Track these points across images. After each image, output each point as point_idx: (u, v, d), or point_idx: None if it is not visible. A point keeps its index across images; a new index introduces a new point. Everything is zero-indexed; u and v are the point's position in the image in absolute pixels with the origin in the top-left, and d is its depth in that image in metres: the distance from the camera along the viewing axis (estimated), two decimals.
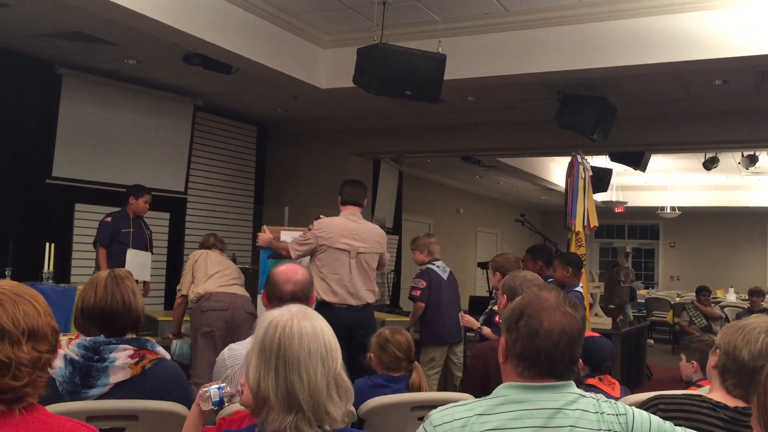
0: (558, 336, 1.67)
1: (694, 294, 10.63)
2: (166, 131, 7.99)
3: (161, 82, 7.60)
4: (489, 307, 5.05)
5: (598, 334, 3.40)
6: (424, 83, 5.52)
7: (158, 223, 7.82)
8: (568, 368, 1.69)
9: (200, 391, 2.15)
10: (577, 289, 4.89)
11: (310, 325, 1.60)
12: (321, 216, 4.84)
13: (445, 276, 5.80)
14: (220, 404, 2.13)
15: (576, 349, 1.70)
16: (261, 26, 6.16)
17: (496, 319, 4.64)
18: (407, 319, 6.29)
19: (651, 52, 5.73)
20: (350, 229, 4.70)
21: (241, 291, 5.50)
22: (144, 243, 6.32)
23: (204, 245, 5.84)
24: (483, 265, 9.15)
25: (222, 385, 2.15)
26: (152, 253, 6.44)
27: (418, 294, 5.64)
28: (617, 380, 3.29)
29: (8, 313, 1.41)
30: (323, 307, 4.50)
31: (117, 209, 6.30)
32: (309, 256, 4.74)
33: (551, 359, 1.66)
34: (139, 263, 6.02)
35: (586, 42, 5.92)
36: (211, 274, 5.44)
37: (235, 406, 2.21)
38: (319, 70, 6.93)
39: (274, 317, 1.62)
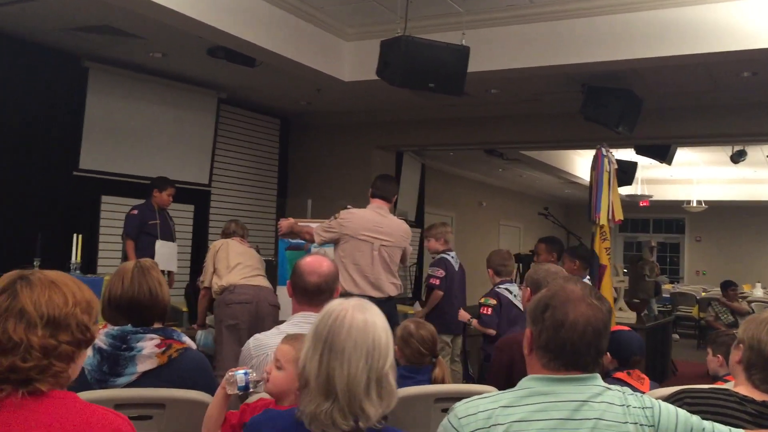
0: (583, 328, 1.66)
1: (719, 289, 10.51)
2: (191, 124, 8.05)
3: (186, 75, 7.66)
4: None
5: (628, 328, 3.36)
6: (447, 76, 5.49)
7: (183, 216, 7.90)
8: (594, 360, 1.68)
9: (226, 375, 2.17)
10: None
11: (362, 319, 1.61)
12: (349, 206, 4.83)
13: (456, 267, 5.80)
14: (245, 389, 2.15)
15: (602, 341, 1.69)
16: (284, 19, 6.17)
17: (482, 310, 4.86)
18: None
19: (678, 44, 5.65)
20: (375, 222, 4.70)
21: (265, 282, 5.51)
22: (170, 234, 6.40)
23: (225, 233, 5.83)
24: None
25: (248, 370, 2.18)
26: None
27: (437, 283, 5.64)
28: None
29: (33, 296, 1.45)
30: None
31: (142, 201, 6.37)
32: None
33: (576, 351, 1.66)
34: (167, 254, 6.09)
35: (613, 33, 5.85)
36: (234, 265, 5.43)
37: (259, 394, 2.23)
38: (342, 63, 6.93)
39: (332, 306, 1.66)
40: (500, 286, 5.06)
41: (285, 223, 4.96)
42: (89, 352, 2.32)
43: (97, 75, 7.08)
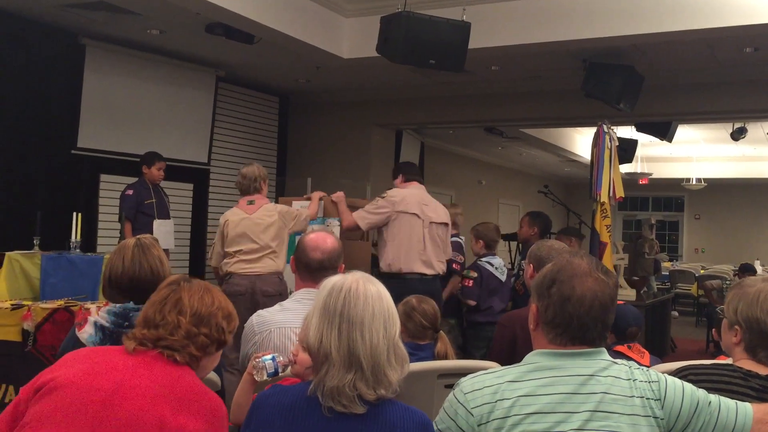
0: (590, 302, 1.65)
1: (717, 266, 10.46)
2: (189, 102, 7.99)
3: (184, 53, 7.59)
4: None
5: (622, 302, 3.36)
6: (448, 52, 5.45)
7: (182, 194, 7.87)
8: (600, 335, 1.68)
9: (253, 362, 2.17)
10: None
11: (374, 289, 1.67)
12: (392, 188, 4.89)
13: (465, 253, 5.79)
14: (275, 374, 2.15)
15: (608, 315, 1.69)
16: None
17: (464, 282, 5.14)
18: None
19: (680, 19, 5.60)
20: (422, 198, 4.80)
21: (264, 265, 5.05)
22: (166, 211, 6.36)
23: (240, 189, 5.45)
24: (506, 237, 9.11)
25: (275, 355, 2.17)
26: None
27: (458, 268, 5.54)
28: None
29: (191, 292, 1.84)
30: (395, 279, 4.48)
31: (135, 180, 6.33)
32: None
33: (583, 325, 1.65)
34: (164, 232, 6.06)
35: (615, 9, 5.80)
36: (233, 249, 5.06)
37: (285, 374, 2.21)
38: (341, 40, 6.87)
39: (337, 281, 1.69)
40: (482, 259, 5.22)
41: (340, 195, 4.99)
42: (90, 329, 2.31)
43: (94, 52, 7.01)
